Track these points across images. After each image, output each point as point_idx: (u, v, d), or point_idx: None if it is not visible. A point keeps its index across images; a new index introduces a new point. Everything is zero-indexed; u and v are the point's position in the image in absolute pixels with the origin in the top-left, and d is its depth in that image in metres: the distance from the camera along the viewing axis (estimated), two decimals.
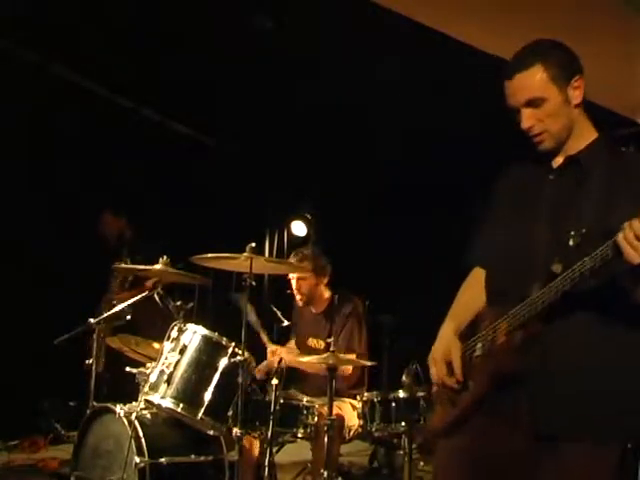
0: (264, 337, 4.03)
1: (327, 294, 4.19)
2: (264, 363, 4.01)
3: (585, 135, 1.89)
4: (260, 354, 4.06)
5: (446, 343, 1.98)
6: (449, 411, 1.94)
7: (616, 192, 1.78)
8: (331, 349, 3.53)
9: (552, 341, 1.74)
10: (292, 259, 4.17)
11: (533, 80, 1.81)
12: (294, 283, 4.14)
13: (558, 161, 1.91)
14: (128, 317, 3.83)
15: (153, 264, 3.58)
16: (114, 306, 4.03)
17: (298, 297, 4.15)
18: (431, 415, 2.09)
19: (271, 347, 4.01)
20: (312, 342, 4.15)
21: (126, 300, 3.87)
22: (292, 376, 4.08)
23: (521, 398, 1.76)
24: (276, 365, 3.49)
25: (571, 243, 1.73)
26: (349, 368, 3.93)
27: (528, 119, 1.84)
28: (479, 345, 1.90)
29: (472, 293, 2.08)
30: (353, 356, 3.95)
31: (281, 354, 3.84)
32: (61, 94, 5.39)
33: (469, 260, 2.14)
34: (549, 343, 1.74)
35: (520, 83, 1.83)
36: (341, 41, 4.54)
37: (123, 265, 3.74)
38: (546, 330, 1.73)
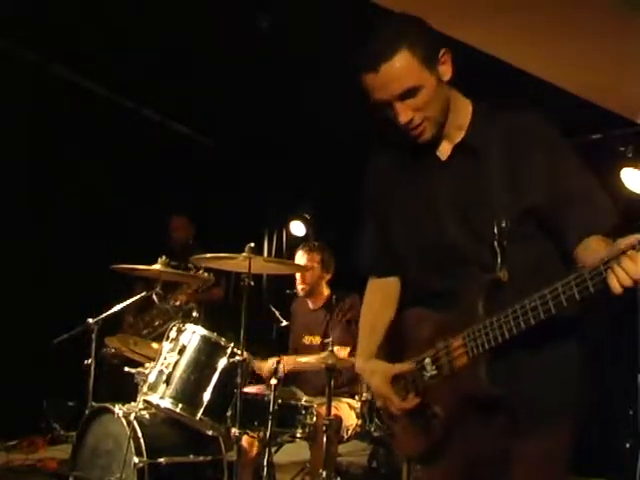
0: (259, 364, 3.91)
1: (327, 292, 4.20)
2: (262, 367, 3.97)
3: (462, 109, 1.75)
4: (260, 354, 4.00)
5: (379, 374, 1.84)
6: (421, 438, 1.80)
7: (521, 165, 1.66)
8: (329, 348, 3.53)
9: (515, 355, 1.67)
10: (301, 249, 4.19)
11: (403, 68, 1.61)
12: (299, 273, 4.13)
13: (445, 148, 1.76)
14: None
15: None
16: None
17: (300, 287, 4.13)
18: (394, 437, 1.90)
19: (269, 362, 3.86)
20: (307, 339, 4.13)
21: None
22: (290, 375, 4.02)
23: (493, 407, 1.70)
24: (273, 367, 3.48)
25: (504, 242, 1.64)
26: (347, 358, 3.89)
27: (406, 112, 1.64)
28: (428, 362, 1.75)
29: (377, 309, 1.97)
30: (347, 351, 3.93)
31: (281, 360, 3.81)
32: (61, 94, 5.37)
33: (371, 270, 2.01)
34: (512, 359, 1.67)
35: (389, 74, 1.62)
36: (341, 41, 4.52)
37: (121, 266, 3.73)
38: (507, 347, 1.63)
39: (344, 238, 5.59)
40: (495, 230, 1.65)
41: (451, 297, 1.72)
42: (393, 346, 1.90)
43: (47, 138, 5.47)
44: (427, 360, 1.75)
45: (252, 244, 3.30)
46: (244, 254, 3.26)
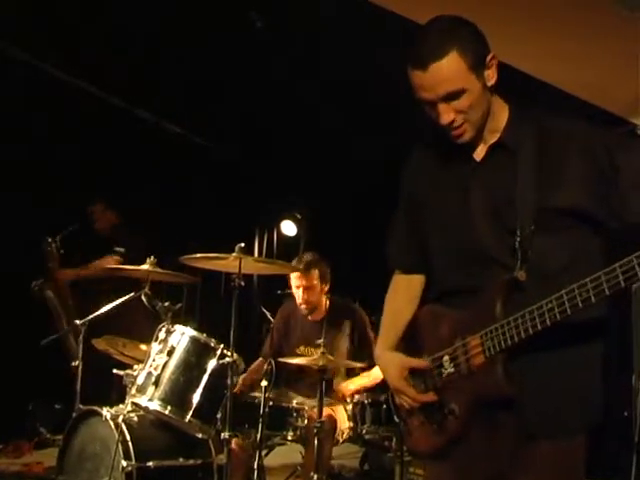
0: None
1: (326, 301, 4.09)
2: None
3: (499, 113, 1.77)
4: (250, 355, 4.02)
5: (396, 366, 1.89)
6: (436, 435, 1.83)
7: (554, 168, 1.68)
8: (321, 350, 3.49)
9: (529, 359, 1.69)
10: (296, 273, 3.99)
11: (451, 71, 1.63)
12: (300, 294, 4.00)
13: (481, 150, 1.79)
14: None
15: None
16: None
17: (303, 306, 4.02)
18: (409, 434, 1.92)
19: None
20: (303, 350, 4.05)
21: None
22: (284, 376, 4.02)
23: (505, 409, 1.72)
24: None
25: (523, 243, 1.66)
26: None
27: (448, 114, 1.68)
28: (446, 359, 1.78)
29: (400, 303, 2.01)
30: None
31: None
32: (59, 94, 5.32)
33: (398, 264, 2.04)
34: (526, 362, 1.69)
35: (437, 75, 1.64)
36: (338, 41, 4.49)
37: (113, 265, 3.69)
38: (522, 348, 1.66)
39: (335, 237, 5.61)
40: (518, 230, 1.68)
41: (471, 296, 1.75)
42: (410, 342, 1.93)
43: (46, 138, 5.43)
44: (445, 358, 1.79)
45: (242, 244, 3.27)
46: (234, 254, 3.24)
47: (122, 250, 4.03)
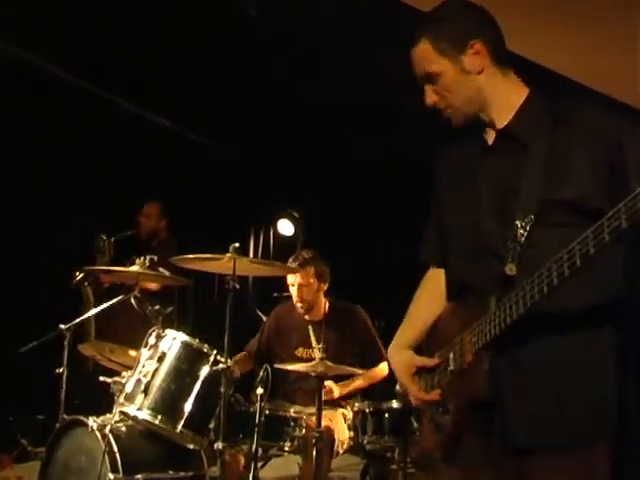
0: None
1: (325, 302, 4.01)
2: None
3: (512, 98, 1.75)
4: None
5: (403, 365, 1.90)
6: (435, 434, 1.85)
7: (564, 159, 1.64)
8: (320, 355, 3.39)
9: (520, 357, 1.64)
10: (292, 264, 3.95)
11: (423, 54, 1.77)
12: (295, 291, 3.95)
13: (491, 134, 1.79)
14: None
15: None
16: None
17: (299, 305, 3.97)
18: (421, 435, 2.00)
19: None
20: (302, 352, 3.96)
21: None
22: (280, 384, 3.94)
23: (495, 416, 1.67)
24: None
25: (521, 235, 1.62)
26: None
27: (430, 96, 1.79)
28: (451, 357, 1.79)
29: (424, 301, 2.00)
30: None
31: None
32: (62, 95, 5.29)
33: (423, 258, 2.05)
34: (517, 360, 1.64)
35: (415, 58, 1.79)
36: (338, 41, 4.44)
37: (95, 267, 3.60)
38: (512, 345, 1.62)
39: (334, 238, 5.51)
40: (517, 222, 1.64)
41: (476, 292, 1.73)
42: (432, 340, 1.93)
43: (45, 138, 5.39)
44: (451, 355, 1.79)
45: (237, 244, 3.22)
46: (228, 255, 3.19)
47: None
